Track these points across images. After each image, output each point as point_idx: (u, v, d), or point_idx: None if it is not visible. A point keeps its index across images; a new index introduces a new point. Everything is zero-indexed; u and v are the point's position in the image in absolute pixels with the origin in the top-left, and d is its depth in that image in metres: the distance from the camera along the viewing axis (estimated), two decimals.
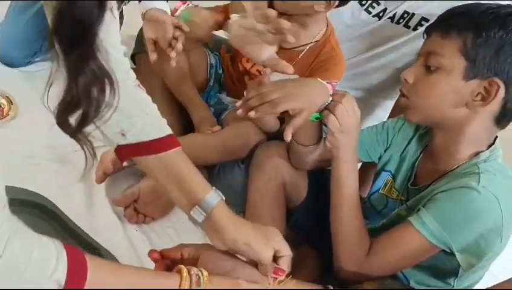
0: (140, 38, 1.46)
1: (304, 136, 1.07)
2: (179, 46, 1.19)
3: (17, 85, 1.46)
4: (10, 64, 1.53)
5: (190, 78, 1.38)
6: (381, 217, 1.07)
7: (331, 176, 1.02)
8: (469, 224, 0.87)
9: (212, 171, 1.30)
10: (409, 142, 1.07)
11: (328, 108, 0.97)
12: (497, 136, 0.97)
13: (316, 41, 1.28)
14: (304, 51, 1.28)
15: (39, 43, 1.57)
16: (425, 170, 1.01)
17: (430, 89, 0.93)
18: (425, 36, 0.97)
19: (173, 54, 1.19)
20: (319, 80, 1.01)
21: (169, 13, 1.22)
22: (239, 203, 1.28)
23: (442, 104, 0.93)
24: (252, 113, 0.96)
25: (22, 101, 1.39)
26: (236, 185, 1.26)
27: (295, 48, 1.29)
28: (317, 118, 1.01)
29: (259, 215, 1.11)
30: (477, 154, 0.93)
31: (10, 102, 1.37)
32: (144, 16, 1.23)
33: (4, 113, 1.33)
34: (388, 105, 1.50)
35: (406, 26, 1.33)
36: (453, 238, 0.87)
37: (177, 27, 1.18)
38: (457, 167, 0.94)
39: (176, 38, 1.19)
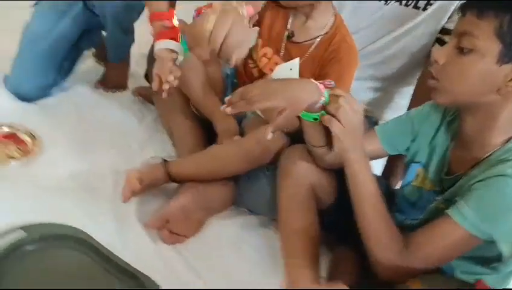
0: (151, 57, 1.47)
1: (312, 138, 1.05)
2: (170, 78, 1.24)
3: (37, 120, 1.48)
4: (26, 98, 1.55)
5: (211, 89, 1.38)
6: (416, 210, 1.05)
7: (346, 177, 1.00)
8: (509, 212, 0.85)
9: (238, 182, 1.30)
10: (437, 131, 1.04)
11: (329, 112, 0.94)
12: None
13: (326, 33, 1.28)
14: (315, 44, 1.28)
15: (53, 74, 1.59)
16: (458, 158, 0.98)
17: (462, 72, 0.89)
18: (459, 14, 0.93)
19: (165, 86, 1.24)
20: (311, 80, 0.97)
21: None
22: (269, 211, 1.28)
23: (473, 88, 0.89)
24: (228, 109, 0.93)
25: (44, 135, 1.41)
26: (264, 193, 1.25)
27: (306, 41, 1.29)
28: (315, 119, 0.98)
29: (293, 221, 1.10)
30: (510, 139, 0.91)
31: (33, 137, 1.39)
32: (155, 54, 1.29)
33: (29, 150, 1.35)
34: (408, 91, 1.47)
35: (416, 7, 1.31)
36: (494, 228, 0.85)
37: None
38: (491, 153, 0.91)
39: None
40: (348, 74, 1.30)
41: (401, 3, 1.33)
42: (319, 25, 1.28)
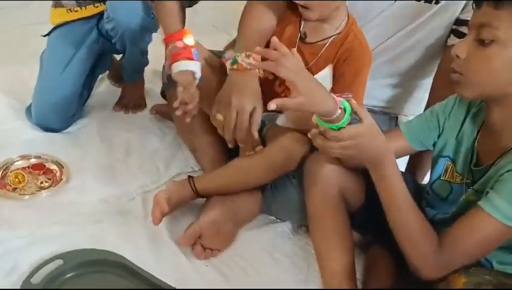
0: (164, 74, 1.49)
1: None
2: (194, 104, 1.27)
3: (63, 148, 1.52)
4: (51, 130, 1.58)
5: None
6: (448, 204, 1.04)
7: (374, 181, 0.99)
8: None
9: (265, 191, 1.31)
10: (462, 124, 1.03)
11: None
12: None
13: (339, 33, 1.28)
14: (327, 44, 1.29)
15: (75, 104, 1.62)
16: (486, 148, 0.97)
17: (486, 64, 0.87)
18: (473, 7, 0.91)
19: (191, 113, 1.28)
20: (332, 94, 0.97)
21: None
22: (298, 218, 1.28)
23: (500, 79, 0.88)
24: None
25: (71, 163, 1.44)
26: (292, 201, 1.25)
27: (318, 41, 1.29)
28: (332, 128, 0.94)
29: (324, 226, 1.10)
30: None
31: (61, 166, 1.42)
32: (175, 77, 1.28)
33: (58, 179, 1.38)
34: (426, 84, 1.46)
35: (428, 1, 1.30)
36: None
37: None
38: None
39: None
40: (363, 73, 1.30)
41: None
42: (333, 25, 1.28)
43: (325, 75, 1.17)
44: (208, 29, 2.32)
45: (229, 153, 1.40)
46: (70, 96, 1.59)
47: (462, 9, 1.28)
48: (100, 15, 1.63)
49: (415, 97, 1.50)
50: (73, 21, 1.64)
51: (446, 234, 0.93)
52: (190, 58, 1.25)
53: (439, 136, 1.07)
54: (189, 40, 1.27)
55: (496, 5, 0.85)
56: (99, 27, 1.63)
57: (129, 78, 1.73)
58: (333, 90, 1.27)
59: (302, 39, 1.31)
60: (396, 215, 0.97)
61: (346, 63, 1.28)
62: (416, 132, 1.09)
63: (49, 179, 1.38)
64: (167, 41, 1.28)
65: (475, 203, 0.91)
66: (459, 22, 1.29)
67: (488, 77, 0.88)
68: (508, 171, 0.87)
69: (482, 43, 0.87)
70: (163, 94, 1.63)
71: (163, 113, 1.71)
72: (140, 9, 1.48)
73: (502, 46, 0.85)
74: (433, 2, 1.30)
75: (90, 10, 1.63)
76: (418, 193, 1.17)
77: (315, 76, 1.12)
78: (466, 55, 0.89)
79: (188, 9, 1.48)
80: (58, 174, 1.40)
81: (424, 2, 1.30)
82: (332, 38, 1.28)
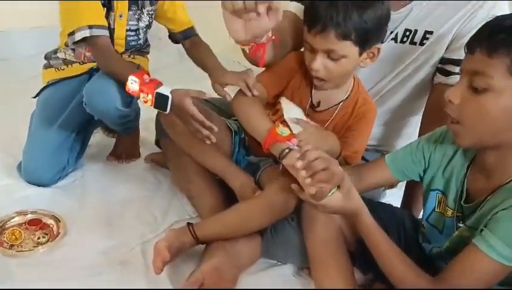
0: (158, 123, 1.52)
1: None
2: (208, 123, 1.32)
3: (59, 202, 1.52)
4: (41, 185, 1.57)
5: (217, 149, 1.41)
6: (443, 236, 1.06)
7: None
8: None
9: (264, 235, 1.31)
10: (451, 158, 1.05)
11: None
12: None
13: (347, 97, 1.30)
14: (338, 109, 1.30)
15: (65, 159, 1.62)
16: (477, 185, 0.99)
17: (481, 112, 0.88)
18: (466, 51, 0.92)
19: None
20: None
21: None
22: (299, 260, 1.28)
23: (496, 126, 0.88)
24: None
25: (67, 217, 1.44)
26: (292, 243, 1.26)
27: (329, 108, 1.31)
28: None
29: (326, 266, 1.11)
30: None
31: (57, 220, 1.41)
32: None
33: (55, 233, 1.37)
34: (413, 121, 1.50)
35: (412, 43, 1.34)
36: None
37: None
38: (511, 180, 0.92)
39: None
40: (367, 132, 1.33)
41: (396, 41, 1.35)
42: (343, 90, 1.30)
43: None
44: None
45: (227, 198, 1.41)
46: (59, 152, 1.59)
47: (446, 49, 1.32)
48: (90, 72, 1.67)
49: (405, 133, 1.54)
50: (62, 79, 1.68)
51: (444, 272, 0.94)
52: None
53: (425, 170, 1.09)
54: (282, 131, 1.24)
55: (489, 53, 0.85)
56: None
57: (123, 132, 1.75)
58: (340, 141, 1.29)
59: (314, 107, 1.32)
60: (380, 261, 1.01)
61: (356, 122, 1.30)
62: (400, 163, 1.12)
63: (46, 234, 1.37)
64: (268, 145, 1.24)
65: (469, 239, 0.92)
66: (444, 60, 1.33)
67: (484, 124, 0.89)
68: (502, 209, 0.88)
69: (475, 90, 0.88)
70: (157, 143, 1.65)
71: (158, 162, 1.72)
72: (116, 102, 1.47)
73: (496, 95, 0.86)
74: (418, 43, 1.34)
75: (77, 68, 1.67)
76: (416, 228, 1.19)
77: None
78: (460, 101, 0.90)
79: None
80: (55, 228, 1.39)
81: (409, 44, 1.35)
82: (342, 102, 1.30)
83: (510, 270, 0.89)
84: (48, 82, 1.69)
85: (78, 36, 1.49)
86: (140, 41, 1.69)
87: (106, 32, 1.52)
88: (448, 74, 1.32)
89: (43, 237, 1.36)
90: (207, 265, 1.21)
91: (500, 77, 0.85)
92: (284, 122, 1.26)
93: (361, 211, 1.03)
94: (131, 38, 1.66)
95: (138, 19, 1.64)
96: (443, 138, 1.08)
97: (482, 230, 0.90)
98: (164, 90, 1.30)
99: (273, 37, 1.19)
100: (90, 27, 1.48)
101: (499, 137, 0.90)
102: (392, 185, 1.45)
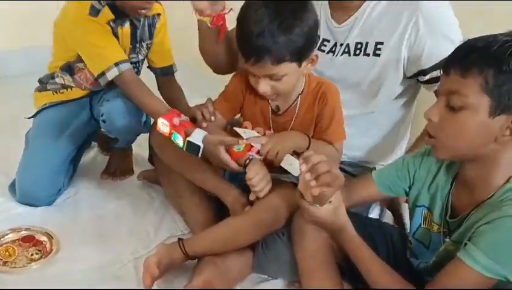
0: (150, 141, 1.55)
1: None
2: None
3: (52, 218, 1.53)
4: (35, 205, 1.57)
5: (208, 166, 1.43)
6: (430, 252, 1.08)
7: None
8: None
9: (256, 249, 1.33)
10: (435, 175, 1.08)
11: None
12: None
13: (302, 90, 1.34)
14: (298, 104, 1.34)
15: (63, 178, 1.63)
16: (461, 201, 1.02)
17: (458, 129, 0.92)
18: (441, 73, 0.97)
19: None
20: None
21: None
22: (289, 274, 1.30)
23: (471, 142, 0.92)
24: None
25: (60, 233, 1.45)
26: (283, 258, 1.28)
27: (288, 107, 1.35)
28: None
29: (316, 279, 1.13)
30: (509, 178, 0.94)
31: (51, 237, 1.43)
32: None
33: (48, 250, 1.39)
34: (404, 133, 1.54)
35: (366, 54, 1.37)
36: (507, 269, 0.88)
37: None
38: (494, 194, 0.95)
39: None
40: (339, 109, 1.35)
41: (350, 54, 1.38)
42: (297, 88, 1.33)
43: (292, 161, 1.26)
44: None
45: (218, 213, 1.43)
46: (57, 174, 1.61)
47: (412, 64, 1.35)
48: (91, 96, 1.69)
49: (394, 147, 1.55)
50: (61, 102, 1.69)
51: (429, 285, 0.96)
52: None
53: (410, 187, 1.13)
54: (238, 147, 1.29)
55: (462, 74, 0.90)
56: (92, 109, 1.69)
57: (124, 145, 1.78)
58: (315, 132, 1.35)
59: (275, 112, 1.37)
60: (365, 274, 1.04)
61: (322, 107, 1.33)
62: (386, 179, 1.15)
63: (40, 251, 1.38)
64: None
65: (454, 253, 0.94)
66: (423, 72, 1.36)
67: (461, 140, 0.93)
68: (485, 223, 0.91)
69: (452, 109, 0.92)
70: (150, 160, 1.67)
71: (151, 179, 1.74)
72: (137, 122, 1.56)
73: (472, 112, 0.90)
74: (371, 55, 1.35)
75: (78, 92, 1.69)
76: (404, 243, 1.21)
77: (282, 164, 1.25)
78: (438, 119, 0.94)
79: None
80: (48, 245, 1.40)
81: (363, 56, 1.36)
82: (299, 98, 1.34)
83: (494, 283, 0.91)
84: (45, 104, 1.70)
85: (110, 76, 1.50)
86: (139, 74, 1.72)
87: (130, 66, 1.55)
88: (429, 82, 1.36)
89: (37, 254, 1.37)
90: (198, 281, 1.22)
91: (474, 95, 0.89)
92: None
93: (346, 227, 1.06)
94: None
95: (138, 52, 1.67)
96: (428, 155, 1.11)
97: (466, 244, 0.92)
98: (196, 138, 1.29)
99: (231, 9, 1.27)
100: (117, 64, 1.50)
101: (476, 151, 0.94)
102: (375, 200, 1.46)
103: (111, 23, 1.54)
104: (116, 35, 1.56)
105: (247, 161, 1.25)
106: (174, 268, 1.29)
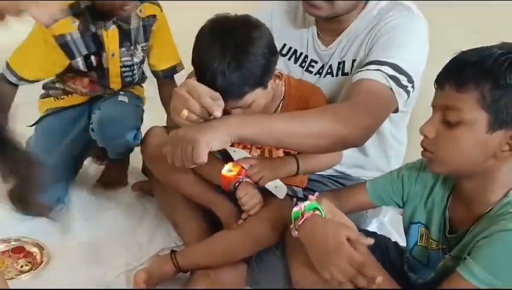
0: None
1: None
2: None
3: (44, 229, 1.51)
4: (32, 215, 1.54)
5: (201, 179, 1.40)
6: (429, 269, 1.06)
7: None
8: None
9: (250, 263, 1.31)
10: (431, 190, 1.06)
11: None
12: None
13: (283, 97, 1.31)
14: (279, 112, 1.31)
15: (58, 193, 1.60)
16: (459, 215, 1.00)
17: (455, 145, 0.90)
18: (435, 86, 0.94)
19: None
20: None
21: None
22: (283, 288, 1.28)
23: (470, 158, 0.90)
24: None
25: (52, 244, 1.43)
26: (277, 271, 1.25)
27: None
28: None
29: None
30: (508, 192, 0.92)
31: (41, 248, 1.41)
32: None
33: (38, 261, 1.37)
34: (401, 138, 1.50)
35: (344, 74, 1.36)
36: (506, 283, 0.86)
37: None
38: (492, 208, 0.93)
39: None
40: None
41: (333, 75, 1.37)
42: (276, 97, 1.29)
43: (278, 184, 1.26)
44: None
45: (213, 226, 1.41)
46: (55, 182, 1.57)
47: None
48: (91, 102, 1.68)
49: (389, 161, 1.54)
50: (62, 108, 1.69)
51: None
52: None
53: (404, 203, 1.11)
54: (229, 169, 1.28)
55: (457, 89, 0.87)
56: (90, 118, 1.66)
57: (116, 158, 1.74)
58: None
59: None
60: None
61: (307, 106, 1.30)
62: (380, 190, 1.13)
63: (30, 263, 1.36)
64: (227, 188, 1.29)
65: (453, 268, 0.92)
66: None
67: (458, 156, 0.91)
68: (483, 238, 0.89)
69: (448, 124, 0.90)
70: (144, 171, 1.66)
71: (145, 190, 1.72)
72: (127, 134, 1.54)
73: (469, 128, 0.88)
74: (349, 74, 1.32)
75: (77, 98, 1.68)
76: (401, 256, 1.19)
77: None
78: (434, 135, 0.92)
79: None
80: (38, 256, 1.38)
81: (341, 76, 1.35)
82: (281, 105, 1.31)
83: None
84: (47, 110, 1.69)
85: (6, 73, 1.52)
86: (135, 76, 1.70)
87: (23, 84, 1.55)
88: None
89: (26, 265, 1.35)
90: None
91: (471, 110, 0.87)
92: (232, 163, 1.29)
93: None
94: (126, 74, 1.66)
95: (132, 55, 1.65)
96: (424, 169, 1.08)
97: (465, 258, 0.90)
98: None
99: None
100: (13, 72, 1.53)
101: (474, 167, 0.92)
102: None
103: (91, 26, 1.53)
104: (99, 38, 1.55)
105: (237, 184, 1.25)
106: (165, 281, 1.27)
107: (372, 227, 1.53)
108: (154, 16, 1.64)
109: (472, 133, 0.88)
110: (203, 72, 1.13)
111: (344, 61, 1.35)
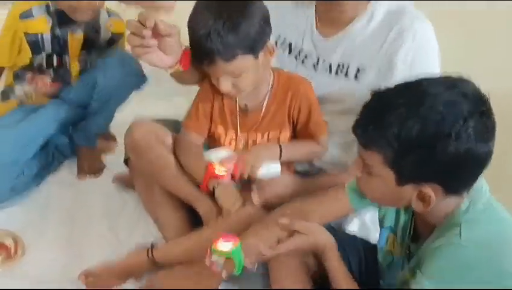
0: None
1: None
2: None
3: (18, 220, 1.48)
4: None
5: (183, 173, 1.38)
6: (391, 274, 1.06)
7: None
8: (466, 277, 0.85)
9: None
10: None
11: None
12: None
13: (272, 86, 1.32)
14: (266, 101, 1.32)
15: (13, 177, 1.56)
16: (421, 224, 0.99)
17: (375, 191, 0.94)
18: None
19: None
20: None
21: None
22: (261, 284, 1.27)
23: (391, 201, 0.95)
24: None
25: (27, 234, 1.41)
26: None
27: (258, 104, 1.32)
28: None
29: (286, 286, 1.11)
30: (458, 205, 0.90)
31: (16, 239, 1.38)
32: None
33: (12, 253, 1.34)
34: None
35: (346, 76, 1.34)
36: None
37: None
38: (443, 220, 0.91)
39: None
40: (315, 101, 1.33)
41: (331, 72, 1.35)
42: (264, 85, 1.31)
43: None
44: None
45: (193, 222, 1.39)
46: (8, 165, 1.53)
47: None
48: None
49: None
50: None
51: None
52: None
53: (379, 207, 1.11)
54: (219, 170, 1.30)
55: (364, 147, 0.89)
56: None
57: (85, 142, 1.74)
58: (297, 129, 1.34)
59: (243, 111, 1.34)
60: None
61: (296, 101, 1.31)
62: (359, 195, 1.11)
63: (2, 255, 1.33)
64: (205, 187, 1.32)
65: (410, 281, 0.92)
66: None
67: (380, 199, 0.97)
68: (432, 250, 0.89)
69: (368, 171, 0.92)
70: (126, 162, 1.63)
71: (126, 182, 1.69)
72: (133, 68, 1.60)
73: (382, 179, 0.89)
74: (352, 78, 1.33)
75: (45, 99, 1.68)
76: (376, 261, 1.18)
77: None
78: (361, 174, 0.94)
79: None
80: (12, 249, 1.35)
81: (344, 76, 1.34)
82: (267, 94, 1.31)
83: None
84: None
85: None
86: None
87: None
88: None
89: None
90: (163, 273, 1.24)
91: (378, 167, 0.88)
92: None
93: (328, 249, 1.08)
94: None
95: (91, 63, 1.70)
96: None
97: (417, 272, 0.90)
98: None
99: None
100: None
101: (396, 204, 0.97)
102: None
103: (57, 29, 1.59)
104: (65, 40, 1.61)
105: (217, 185, 1.27)
106: (141, 275, 1.28)
107: (353, 226, 1.52)
108: (122, 34, 1.70)
109: (385, 184, 0.89)
110: (197, 32, 1.15)
111: (348, 66, 1.33)
